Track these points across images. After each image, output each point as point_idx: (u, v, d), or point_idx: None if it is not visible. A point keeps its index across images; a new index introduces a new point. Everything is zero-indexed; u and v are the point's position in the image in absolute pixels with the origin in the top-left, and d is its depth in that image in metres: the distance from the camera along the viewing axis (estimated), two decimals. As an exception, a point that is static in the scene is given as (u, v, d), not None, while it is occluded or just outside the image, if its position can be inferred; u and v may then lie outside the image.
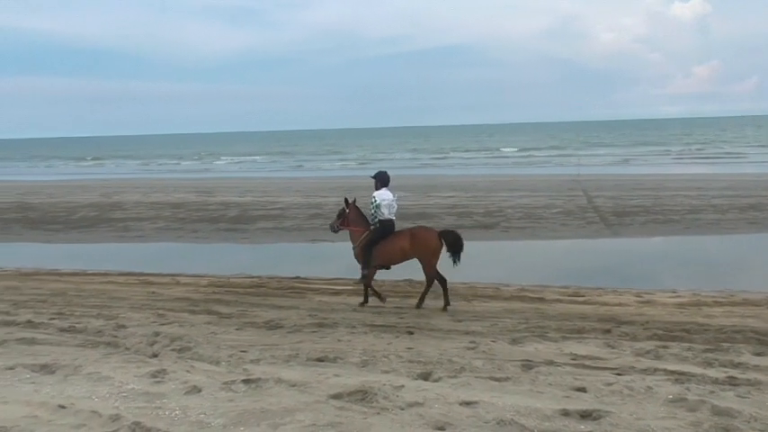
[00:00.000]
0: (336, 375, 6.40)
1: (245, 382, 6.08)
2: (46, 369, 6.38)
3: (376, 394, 5.71)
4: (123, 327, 8.59)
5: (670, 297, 10.69)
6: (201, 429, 5.10)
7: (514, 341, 7.90)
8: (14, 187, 37.91)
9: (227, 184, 36.06)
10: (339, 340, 8.03)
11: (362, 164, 56.65)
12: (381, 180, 10.75)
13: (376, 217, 10.48)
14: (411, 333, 8.41)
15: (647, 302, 10.31)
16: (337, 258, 16.25)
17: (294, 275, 13.38)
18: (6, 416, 5.20)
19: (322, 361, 7.05)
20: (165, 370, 6.40)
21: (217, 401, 5.63)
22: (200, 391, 5.87)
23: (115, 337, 8.01)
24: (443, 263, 10.13)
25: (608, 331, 8.38)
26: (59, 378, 6.19)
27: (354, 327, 8.71)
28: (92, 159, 79.02)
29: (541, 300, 10.58)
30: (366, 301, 10.53)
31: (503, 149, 69.05)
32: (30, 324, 8.69)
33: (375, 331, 8.51)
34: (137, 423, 5.08)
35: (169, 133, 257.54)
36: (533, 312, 9.64)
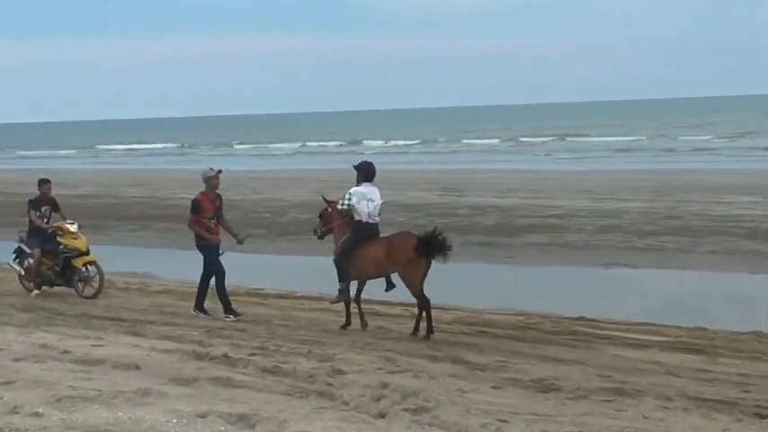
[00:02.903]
0: (641, 470, 6.12)
1: (506, 466, 6.06)
2: (244, 421, 6.92)
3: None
4: (341, 372, 9.07)
5: None
6: None
7: None
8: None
9: (481, 179, 36.77)
10: (645, 417, 7.71)
11: (697, 151, 54.51)
12: (364, 173, 12.11)
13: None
14: (763, 417, 7.82)
15: None
16: (644, 292, 15.75)
17: (578, 315, 13.25)
18: (195, 479, 5.73)
19: (619, 446, 6.81)
20: (394, 437, 6.61)
21: (464, 490, 5.66)
22: (441, 472, 5.96)
23: (330, 385, 8.47)
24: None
25: None
26: (259, 435, 6.69)
27: (669, 398, 8.34)
28: (300, 143, 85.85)
29: None
30: (348, 323, 12.06)
31: None
32: (226, 359, 9.53)
33: (702, 408, 8.05)
34: None
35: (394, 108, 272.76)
36: None
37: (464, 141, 79.75)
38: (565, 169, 43.25)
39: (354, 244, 11.93)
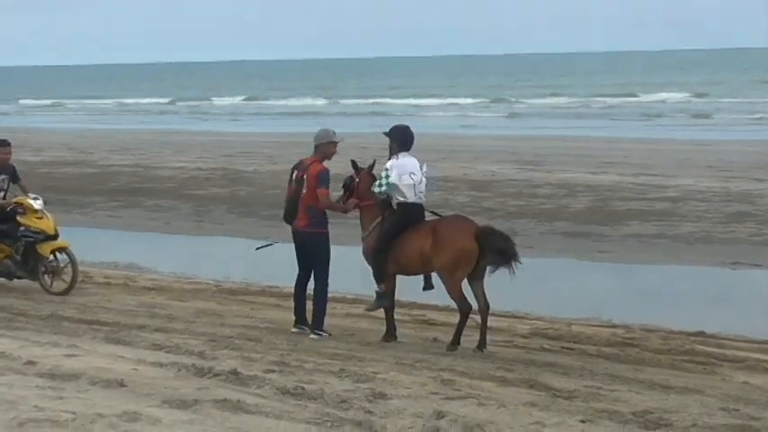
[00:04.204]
0: None
1: None
2: (258, 456, 7.03)
3: None
4: (383, 396, 9.10)
5: None
6: None
7: None
8: (223, 142, 42.53)
9: (569, 149, 36.53)
10: (783, 464, 7.69)
11: None
12: (400, 140, 12.21)
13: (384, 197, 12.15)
14: None
15: None
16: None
17: (694, 329, 13.23)
18: None
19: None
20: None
21: None
22: None
23: (369, 413, 8.51)
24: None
25: None
26: (278, 475, 6.79)
27: (817, 442, 8.28)
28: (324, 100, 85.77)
29: None
30: (391, 333, 12.26)
31: None
32: (235, 377, 9.60)
33: None
34: None
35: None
36: None
37: (539, 101, 79.24)
38: (681, 138, 42.84)
39: (396, 230, 12.00)
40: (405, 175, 11.95)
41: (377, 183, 12.09)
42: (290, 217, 12.61)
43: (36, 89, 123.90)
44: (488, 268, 11.77)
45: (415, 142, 12.33)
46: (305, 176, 12.41)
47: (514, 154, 35.04)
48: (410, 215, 12.00)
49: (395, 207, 12.07)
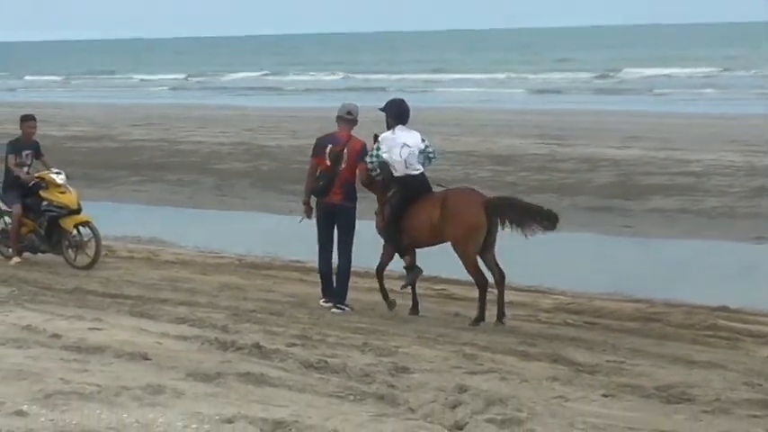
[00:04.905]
0: None
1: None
2: (281, 429, 7.04)
3: None
4: (406, 370, 9.15)
5: None
6: None
7: None
8: (244, 117, 42.52)
9: (592, 123, 36.38)
10: (805, 439, 7.68)
11: None
12: (395, 114, 12.34)
13: (376, 174, 12.23)
14: None
15: None
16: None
17: (718, 304, 13.20)
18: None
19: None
20: (476, 458, 6.68)
21: None
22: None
23: (392, 386, 8.54)
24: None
25: None
26: (301, 447, 6.81)
27: (840, 416, 8.24)
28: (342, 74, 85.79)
29: None
30: (415, 307, 12.41)
31: None
32: (258, 350, 9.65)
33: None
34: None
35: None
36: None
37: (557, 75, 78.72)
38: (704, 112, 42.53)
39: (401, 203, 12.10)
40: (395, 148, 12.05)
41: (368, 154, 12.24)
42: (325, 192, 12.51)
43: (40, 64, 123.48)
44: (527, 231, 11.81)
45: (411, 115, 12.48)
46: (345, 151, 12.40)
47: (536, 128, 34.92)
48: (411, 187, 12.10)
49: (396, 180, 12.16)
